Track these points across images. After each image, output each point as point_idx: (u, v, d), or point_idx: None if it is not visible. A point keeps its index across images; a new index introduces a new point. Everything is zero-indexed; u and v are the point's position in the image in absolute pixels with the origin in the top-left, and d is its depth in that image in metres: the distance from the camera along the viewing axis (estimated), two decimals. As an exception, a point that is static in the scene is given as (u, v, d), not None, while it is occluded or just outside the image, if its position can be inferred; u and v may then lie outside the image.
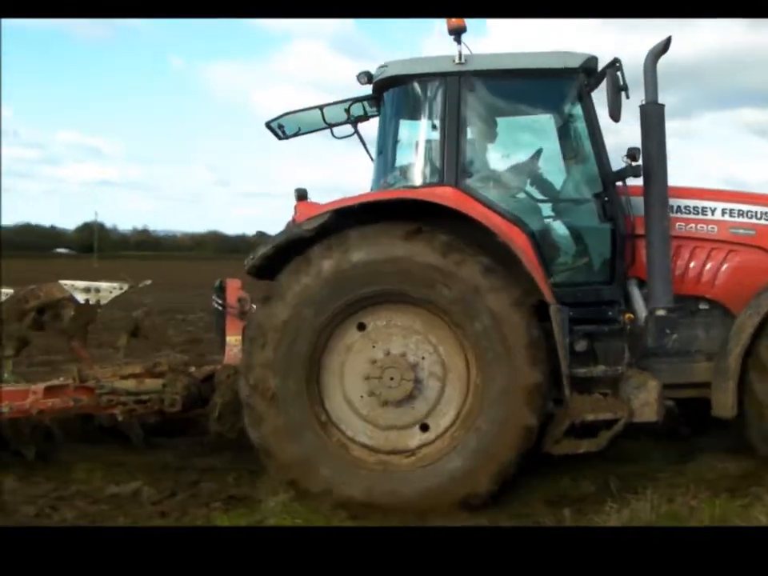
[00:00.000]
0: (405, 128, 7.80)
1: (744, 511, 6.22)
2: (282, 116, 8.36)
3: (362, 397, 6.69)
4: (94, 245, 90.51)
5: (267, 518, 6.22)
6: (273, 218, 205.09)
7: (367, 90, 7.84)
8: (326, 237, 6.52)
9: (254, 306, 7.82)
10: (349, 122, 8.46)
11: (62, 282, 7.78)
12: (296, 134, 8.57)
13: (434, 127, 7.23)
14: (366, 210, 6.59)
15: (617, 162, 7.22)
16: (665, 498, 6.46)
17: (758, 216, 7.49)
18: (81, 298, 7.63)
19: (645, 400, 6.86)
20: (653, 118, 7.05)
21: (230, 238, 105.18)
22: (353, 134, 8.51)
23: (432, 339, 6.69)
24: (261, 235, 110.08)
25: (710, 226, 7.47)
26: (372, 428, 6.72)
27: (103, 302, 7.77)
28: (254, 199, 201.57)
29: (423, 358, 6.66)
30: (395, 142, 7.76)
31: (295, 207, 7.46)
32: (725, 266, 7.43)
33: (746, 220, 7.48)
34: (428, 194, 6.78)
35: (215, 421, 7.48)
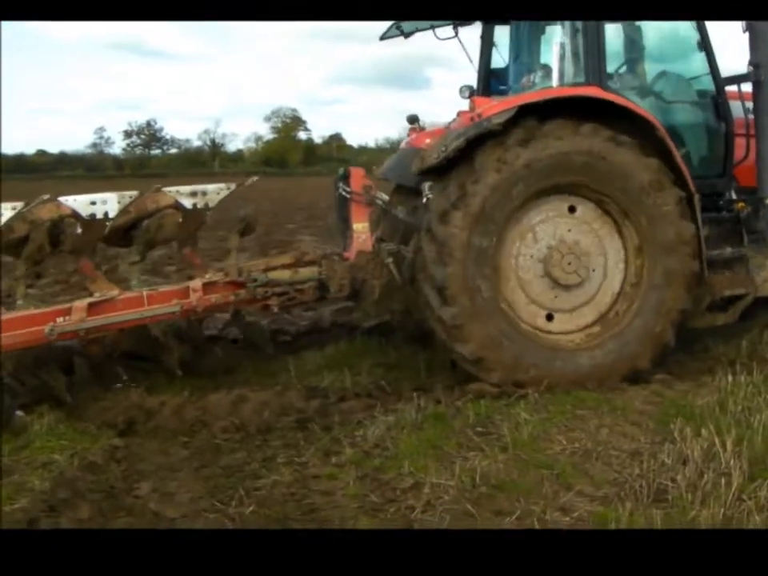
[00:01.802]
0: (541, 32, 8.56)
1: (506, 409, 6.48)
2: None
3: (533, 276, 7.28)
4: None
5: (33, 442, 5.99)
6: (57, 134, 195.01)
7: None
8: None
9: (381, 194, 8.09)
10: (474, 21, 8.92)
11: (166, 188, 7.25)
12: (414, 32, 9.10)
13: (575, 31, 7.50)
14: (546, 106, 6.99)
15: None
16: (432, 401, 6.69)
17: None
18: (187, 203, 7.19)
19: (765, 277, 7.87)
20: (760, 34, 7.72)
21: (9, 158, 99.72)
22: (454, 37, 8.99)
23: (597, 229, 7.36)
24: (42, 153, 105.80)
25: None
26: (529, 303, 7.32)
27: (211, 204, 7.32)
28: (38, 116, 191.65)
29: (591, 245, 7.33)
30: (531, 45, 8.58)
31: (472, 102, 7.46)
32: None
33: None
34: (600, 93, 7.18)
35: (373, 303, 7.74)
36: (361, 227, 7.82)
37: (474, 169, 6.92)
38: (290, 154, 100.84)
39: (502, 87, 9.02)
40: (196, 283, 7.24)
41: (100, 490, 5.26)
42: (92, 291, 7.02)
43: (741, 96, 8.10)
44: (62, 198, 6.87)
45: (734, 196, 8.05)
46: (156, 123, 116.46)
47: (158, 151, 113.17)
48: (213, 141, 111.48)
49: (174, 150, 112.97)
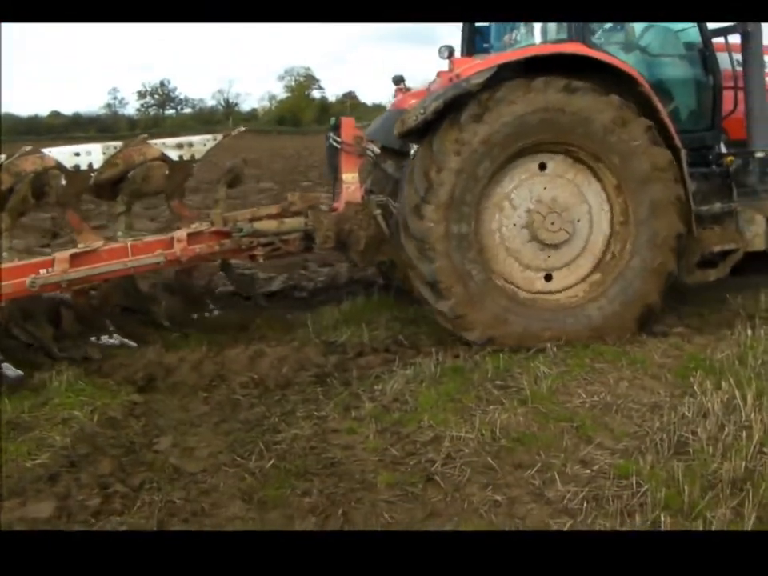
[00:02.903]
0: None
1: (525, 362, 6.47)
2: None
3: (521, 243, 7.20)
4: None
5: (52, 398, 5.97)
6: (71, 95, 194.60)
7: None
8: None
9: (372, 146, 7.87)
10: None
11: (151, 141, 7.24)
12: None
13: None
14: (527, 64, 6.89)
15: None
16: (450, 355, 6.69)
17: None
18: (174, 155, 7.18)
19: (755, 232, 7.71)
20: None
21: (22, 119, 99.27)
22: None
23: (572, 179, 7.24)
24: (56, 115, 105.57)
25: None
26: (524, 269, 7.27)
27: (198, 156, 7.30)
28: (51, 77, 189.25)
29: (575, 205, 7.23)
30: None
31: (451, 62, 7.37)
32: None
33: None
34: (582, 49, 7.03)
35: (359, 254, 7.66)
36: (350, 177, 7.74)
37: (432, 154, 6.84)
38: (303, 112, 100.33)
39: (486, 45, 8.90)
40: (181, 233, 7.21)
41: (120, 446, 5.26)
42: (78, 243, 7.01)
43: (728, 48, 7.93)
44: (45, 150, 6.83)
45: (723, 149, 7.94)
46: (169, 83, 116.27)
47: (171, 111, 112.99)
48: (227, 100, 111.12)
49: (187, 110, 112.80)
